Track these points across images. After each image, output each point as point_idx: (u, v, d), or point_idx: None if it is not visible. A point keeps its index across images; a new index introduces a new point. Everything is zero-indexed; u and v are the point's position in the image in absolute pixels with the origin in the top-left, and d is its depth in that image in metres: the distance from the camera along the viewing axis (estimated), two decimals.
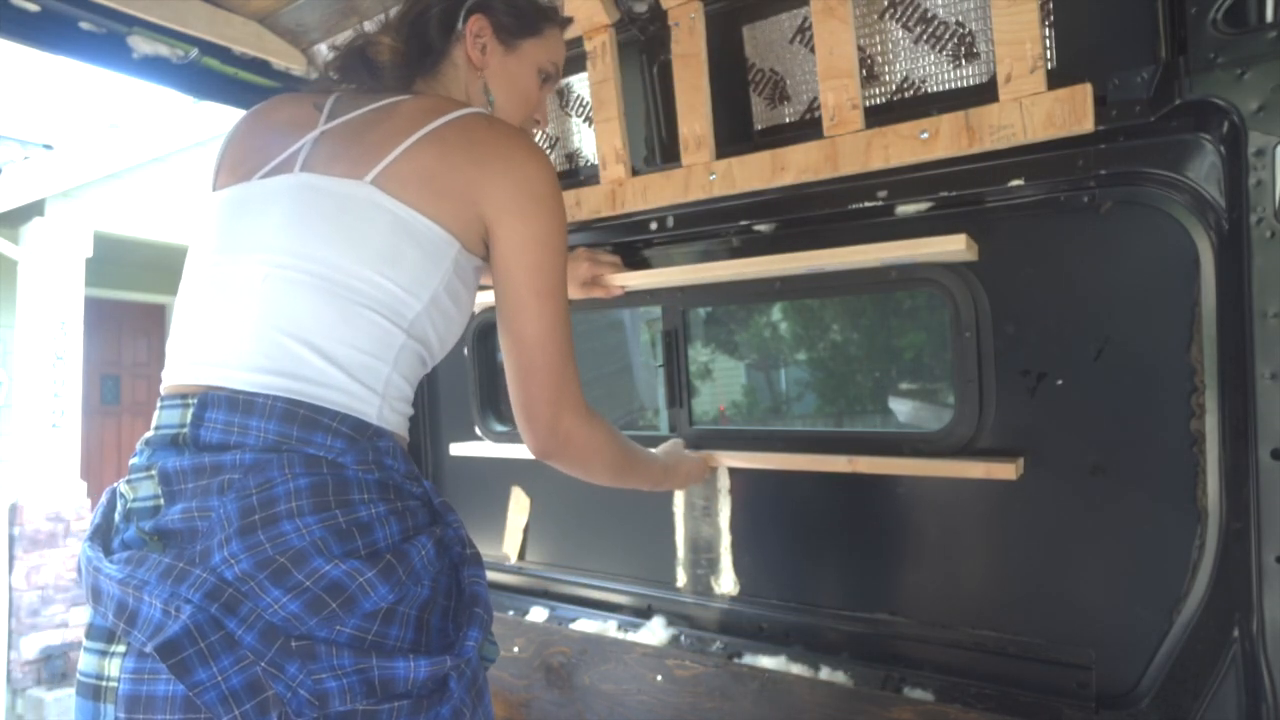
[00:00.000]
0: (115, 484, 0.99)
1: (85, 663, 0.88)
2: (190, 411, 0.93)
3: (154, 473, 0.91)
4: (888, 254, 1.37)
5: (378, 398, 0.96)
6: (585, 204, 1.70)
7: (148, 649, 0.79)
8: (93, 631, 0.89)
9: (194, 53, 1.70)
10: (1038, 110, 1.21)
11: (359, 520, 0.86)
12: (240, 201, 1.03)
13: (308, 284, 0.94)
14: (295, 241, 0.96)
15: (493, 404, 2.10)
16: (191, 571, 0.81)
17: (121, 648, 0.84)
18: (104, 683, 0.85)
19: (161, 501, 0.90)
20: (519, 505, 1.97)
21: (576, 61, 1.75)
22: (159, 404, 1.00)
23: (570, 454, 1.09)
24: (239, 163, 1.09)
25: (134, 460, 0.97)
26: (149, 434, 0.98)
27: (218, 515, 0.84)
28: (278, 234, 0.97)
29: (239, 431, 0.90)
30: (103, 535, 0.95)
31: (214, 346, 0.97)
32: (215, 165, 1.14)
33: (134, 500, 0.93)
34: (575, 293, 1.69)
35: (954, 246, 1.30)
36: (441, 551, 0.93)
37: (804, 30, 1.52)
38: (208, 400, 0.93)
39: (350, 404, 0.93)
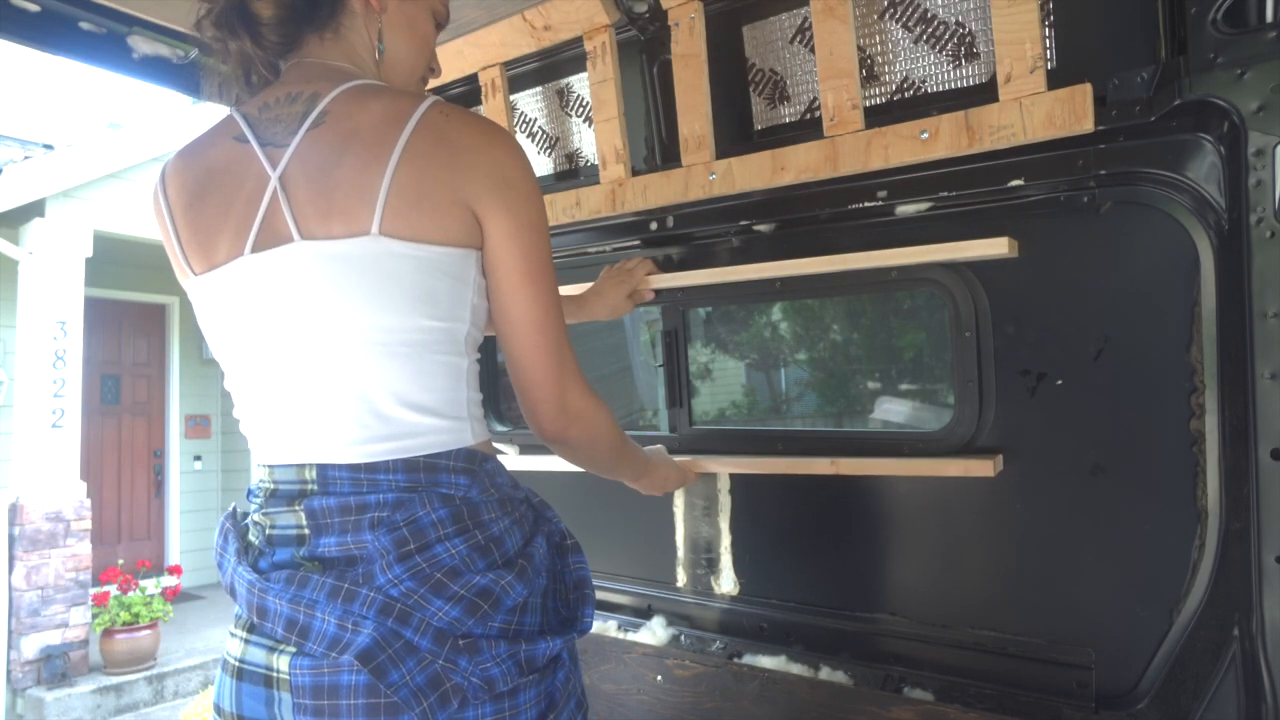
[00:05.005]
0: (234, 510, 1.09)
1: (252, 654, 0.97)
2: (312, 471, 0.99)
3: (298, 508, 0.98)
4: (925, 256, 1.36)
5: (465, 421, 1.03)
6: (585, 204, 1.70)
7: (342, 659, 0.90)
8: (257, 629, 0.99)
9: (194, 53, 1.70)
10: (1038, 110, 1.21)
11: (493, 535, 0.99)
12: (250, 281, 0.98)
13: (376, 351, 0.96)
14: (344, 314, 0.95)
15: (492, 404, 2.10)
16: (359, 591, 0.92)
17: (291, 648, 0.94)
18: (274, 674, 0.94)
19: (307, 532, 0.97)
20: None
21: (576, 61, 1.75)
22: (268, 469, 1.03)
23: (578, 432, 1.09)
24: (206, 235, 1.02)
25: (260, 500, 1.03)
26: (269, 486, 1.02)
27: (373, 547, 0.94)
28: (324, 311, 0.95)
29: (369, 486, 0.97)
30: (247, 556, 1.03)
31: (312, 429, 0.99)
32: (172, 239, 1.05)
33: (273, 528, 1.00)
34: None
35: (996, 250, 1.29)
36: (551, 546, 1.07)
37: (804, 30, 1.52)
38: (328, 468, 0.98)
39: (451, 440, 1.00)
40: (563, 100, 1.86)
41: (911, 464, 1.42)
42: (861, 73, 1.41)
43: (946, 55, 1.39)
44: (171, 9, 1.60)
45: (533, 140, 1.94)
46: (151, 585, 6.61)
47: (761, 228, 1.61)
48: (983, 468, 1.34)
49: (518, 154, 1.03)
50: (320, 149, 0.97)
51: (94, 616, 6.14)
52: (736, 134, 1.61)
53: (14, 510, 5.91)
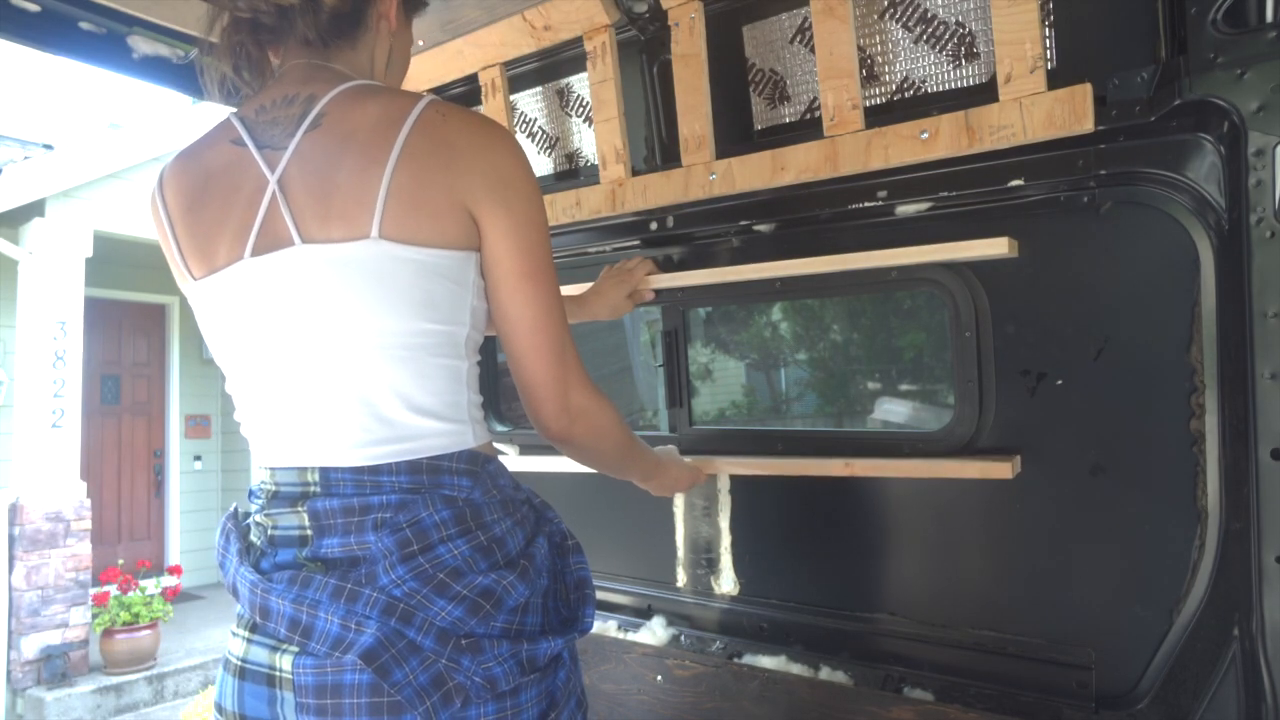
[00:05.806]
0: (235, 510, 1.10)
1: (254, 653, 0.98)
2: (314, 474, 0.99)
3: (301, 509, 0.98)
4: (925, 256, 1.36)
5: (466, 424, 1.03)
6: (585, 204, 1.70)
7: (345, 659, 0.91)
8: (260, 629, 0.99)
9: (194, 52, 1.70)
10: (1038, 110, 1.21)
11: (495, 536, 0.99)
12: (250, 285, 0.98)
13: (377, 355, 0.96)
14: (346, 318, 0.95)
15: (492, 404, 2.10)
16: (361, 592, 0.93)
17: (294, 648, 0.94)
18: (278, 673, 0.95)
19: (310, 533, 0.98)
20: None
21: (576, 61, 1.75)
22: (270, 471, 1.03)
23: (583, 431, 1.09)
24: (205, 239, 1.02)
25: (261, 501, 1.03)
26: (271, 488, 1.02)
27: (376, 548, 0.95)
28: (325, 315, 0.96)
29: (372, 488, 0.97)
30: (249, 557, 1.03)
31: (314, 432, 0.99)
32: (171, 243, 1.05)
33: (275, 529, 1.01)
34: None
35: (996, 250, 1.29)
36: (552, 546, 1.08)
37: (804, 30, 1.52)
38: (330, 471, 0.98)
39: (452, 442, 1.01)
40: (563, 100, 1.86)
41: (928, 465, 1.41)
42: (861, 73, 1.40)
43: (946, 55, 1.39)
44: (171, 9, 1.60)
45: (533, 140, 1.94)
46: (151, 585, 6.61)
47: (761, 228, 1.61)
48: (1000, 469, 1.33)
49: (515, 153, 1.03)
50: (318, 151, 0.97)
51: (94, 616, 6.14)
52: (736, 134, 1.61)
53: (14, 510, 5.91)
